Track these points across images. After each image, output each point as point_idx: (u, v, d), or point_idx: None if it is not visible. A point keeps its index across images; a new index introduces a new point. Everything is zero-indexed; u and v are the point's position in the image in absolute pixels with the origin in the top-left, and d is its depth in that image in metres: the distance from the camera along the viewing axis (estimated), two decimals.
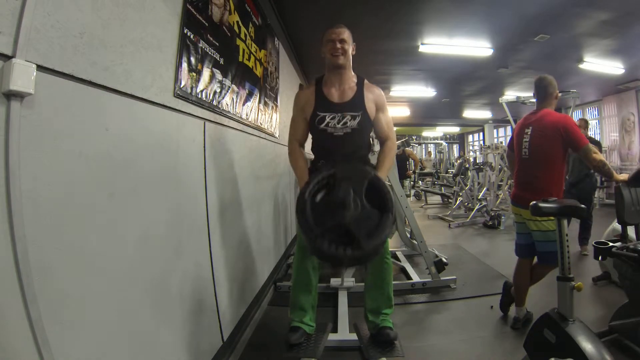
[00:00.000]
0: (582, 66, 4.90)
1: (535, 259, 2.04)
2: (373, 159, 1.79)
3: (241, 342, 1.87)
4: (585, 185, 3.38)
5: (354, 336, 1.81)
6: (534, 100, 2.16)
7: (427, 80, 6.18)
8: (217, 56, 1.70)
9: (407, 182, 6.90)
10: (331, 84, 1.63)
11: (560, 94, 2.11)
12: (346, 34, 1.59)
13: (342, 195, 1.23)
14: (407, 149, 6.25)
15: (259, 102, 2.54)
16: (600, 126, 7.99)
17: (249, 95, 2.28)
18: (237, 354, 1.78)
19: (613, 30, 3.76)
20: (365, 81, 1.68)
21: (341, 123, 1.58)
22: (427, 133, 15.92)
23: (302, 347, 1.59)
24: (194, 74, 1.47)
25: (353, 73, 1.67)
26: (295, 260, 1.73)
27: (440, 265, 2.79)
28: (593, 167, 1.86)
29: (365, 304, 1.73)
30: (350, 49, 1.62)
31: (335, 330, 1.98)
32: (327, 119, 1.59)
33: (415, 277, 2.83)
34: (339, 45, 1.57)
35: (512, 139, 2.22)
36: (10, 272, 0.68)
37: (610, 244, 1.65)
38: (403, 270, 3.08)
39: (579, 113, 8.53)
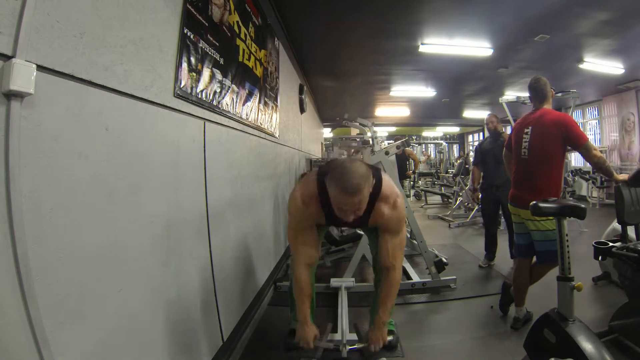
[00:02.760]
0: (582, 66, 4.90)
1: (535, 259, 2.04)
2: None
3: (241, 342, 1.87)
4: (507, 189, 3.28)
5: (354, 336, 1.81)
6: None
7: (427, 80, 6.18)
8: (217, 56, 1.70)
9: (407, 182, 6.90)
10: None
11: (558, 93, 2.12)
12: (361, 203, 1.20)
13: None
14: (407, 149, 6.25)
15: (259, 102, 2.54)
16: (600, 126, 7.99)
17: (249, 95, 2.28)
18: (237, 354, 1.79)
19: (613, 30, 3.75)
20: (382, 197, 1.37)
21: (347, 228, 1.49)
22: (427, 133, 15.92)
23: (301, 349, 1.60)
24: (194, 74, 1.47)
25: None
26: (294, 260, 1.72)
27: (440, 265, 2.79)
28: (593, 164, 1.86)
29: (373, 301, 1.74)
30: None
31: (335, 330, 1.98)
32: (335, 229, 1.50)
33: (415, 277, 2.83)
34: (351, 218, 1.24)
35: (509, 139, 2.22)
36: (10, 272, 0.68)
37: (610, 244, 1.65)
38: (403, 270, 3.08)
39: (579, 113, 8.53)
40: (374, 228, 1.70)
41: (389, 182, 1.42)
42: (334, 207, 1.24)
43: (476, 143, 14.66)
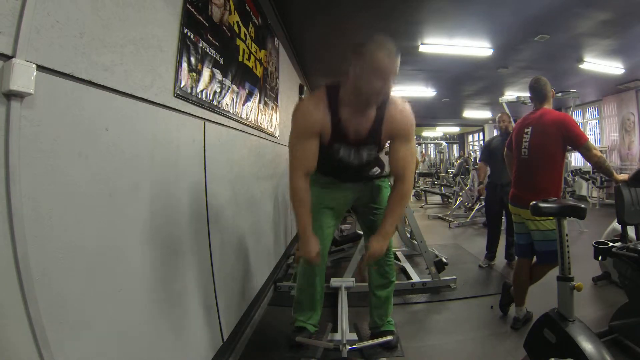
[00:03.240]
0: (582, 66, 4.90)
1: (535, 259, 2.04)
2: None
3: (241, 342, 1.87)
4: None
5: (354, 336, 1.82)
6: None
7: (427, 80, 6.18)
8: (217, 56, 1.70)
9: None
10: (349, 110, 1.33)
11: (558, 93, 2.13)
12: (393, 75, 1.25)
13: None
14: None
15: (259, 102, 2.54)
16: (600, 126, 7.99)
17: (249, 95, 2.28)
18: (237, 354, 1.78)
19: (613, 30, 3.75)
20: (391, 101, 1.36)
21: (356, 155, 1.45)
22: (427, 133, 15.93)
23: (303, 346, 1.60)
24: (194, 74, 1.47)
25: None
26: (301, 260, 1.66)
27: (440, 265, 2.79)
28: (593, 163, 1.86)
29: (371, 303, 1.74)
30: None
31: (335, 330, 1.98)
32: (342, 152, 1.42)
33: (415, 277, 2.83)
34: (385, 89, 1.24)
35: (510, 139, 2.22)
36: (10, 272, 0.68)
37: (610, 244, 1.65)
38: (403, 270, 3.08)
39: (579, 113, 8.53)
40: (369, 220, 1.68)
41: (396, 94, 1.40)
42: (364, 82, 1.21)
43: (476, 143, 14.71)
